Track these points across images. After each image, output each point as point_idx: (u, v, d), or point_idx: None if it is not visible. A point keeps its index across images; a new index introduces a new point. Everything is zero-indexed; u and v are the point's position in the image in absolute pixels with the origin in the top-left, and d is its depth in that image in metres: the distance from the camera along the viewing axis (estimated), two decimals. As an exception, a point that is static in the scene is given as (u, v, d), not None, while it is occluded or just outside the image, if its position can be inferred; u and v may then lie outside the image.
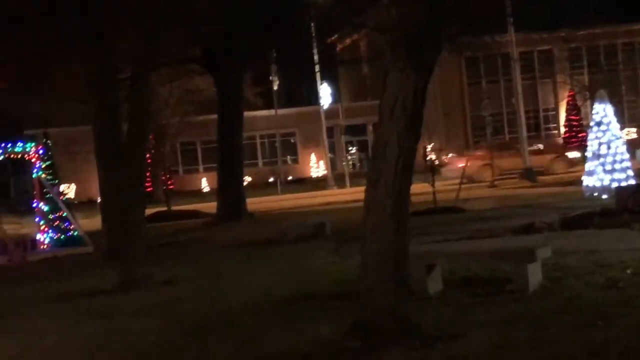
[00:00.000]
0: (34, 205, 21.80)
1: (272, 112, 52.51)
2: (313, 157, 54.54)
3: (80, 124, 36.22)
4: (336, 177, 46.52)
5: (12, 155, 21.30)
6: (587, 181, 22.79)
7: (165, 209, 31.36)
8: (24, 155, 21.30)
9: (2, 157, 20.98)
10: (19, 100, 27.46)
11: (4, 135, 23.91)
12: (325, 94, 50.00)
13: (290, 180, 50.98)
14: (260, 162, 55.21)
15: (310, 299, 10.46)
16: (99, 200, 35.51)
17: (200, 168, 54.18)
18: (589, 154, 22.94)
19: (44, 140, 28.87)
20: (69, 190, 43.20)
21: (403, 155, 7.46)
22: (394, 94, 7.51)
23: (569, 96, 56.60)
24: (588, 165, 22.90)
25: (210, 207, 29.18)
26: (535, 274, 9.55)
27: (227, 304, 10.77)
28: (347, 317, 8.27)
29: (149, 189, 28.66)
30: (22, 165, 22.16)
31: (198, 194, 45.85)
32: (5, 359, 8.90)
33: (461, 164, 34.10)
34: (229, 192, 26.37)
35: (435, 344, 7.40)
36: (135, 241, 13.30)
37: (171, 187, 42.90)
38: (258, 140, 54.78)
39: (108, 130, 17.59)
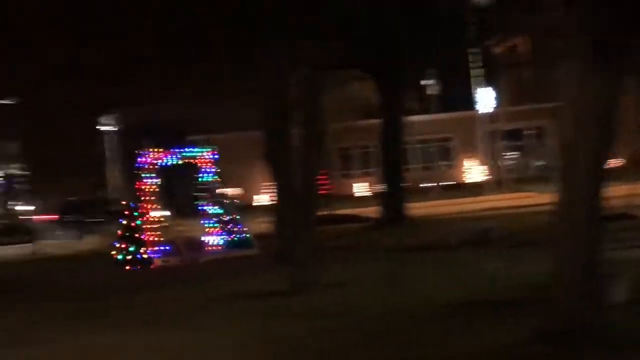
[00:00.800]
0: (200, 208, 22.36)
1: (428, 117, 52.20)
2: (468, 162, 53.85)
3: (239, 130, 37.34)
4: (494, 183, 45.82)
5: (186, 160, 21.78)
6: None
7: (324, 213, 31.59)
8: (197, 159, 21.80)
9: (179, 161, 21.50)
10: (188, 108, 28.42)
11: (173, 141, 24.75)
12: (482, 98, 49.15)
13: (445, 185, 50.50)
14: (415, 167, 54.96)
15: (481, 304, 10.38)
16: (258, 203, 36.20)
17: (355, 173, 54.39)
18: None
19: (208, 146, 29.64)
20: (236, 194, 44.25)
21: (593, 161, 7.30)
22: (583, 99, 7.34)
23: None
24: None
25: (366, 212, 29.34)
26: None
27: (397, 307, 10.79)
28: (523, 324, 8.17)
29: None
30: (184, 169, 22.74)
31: (351, 199, 46.05)
32: (198, 356, 9.26)
33: None
34: (391, 196, 26.48)
35: (625, 352, 7.24)
36: (306, 244, 13.50)
37: (330, 191, 43.25)
38: (414, 145, 54.54)
39: (280, 135, 17.78)
